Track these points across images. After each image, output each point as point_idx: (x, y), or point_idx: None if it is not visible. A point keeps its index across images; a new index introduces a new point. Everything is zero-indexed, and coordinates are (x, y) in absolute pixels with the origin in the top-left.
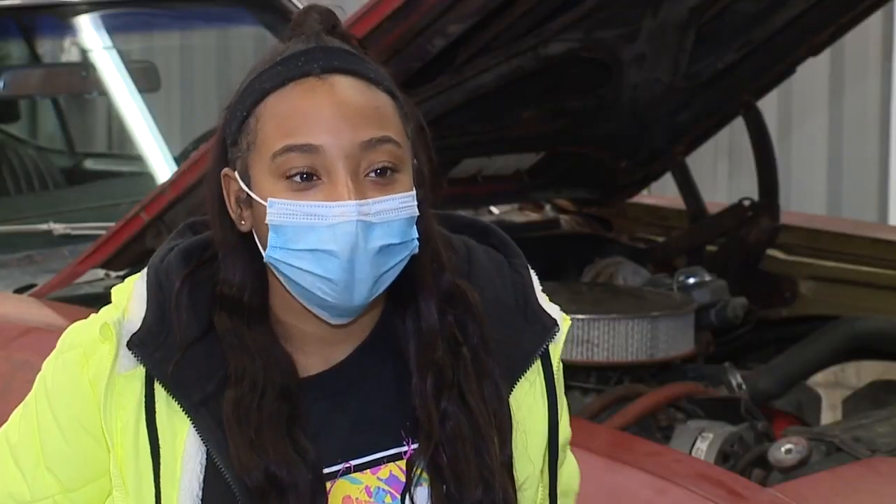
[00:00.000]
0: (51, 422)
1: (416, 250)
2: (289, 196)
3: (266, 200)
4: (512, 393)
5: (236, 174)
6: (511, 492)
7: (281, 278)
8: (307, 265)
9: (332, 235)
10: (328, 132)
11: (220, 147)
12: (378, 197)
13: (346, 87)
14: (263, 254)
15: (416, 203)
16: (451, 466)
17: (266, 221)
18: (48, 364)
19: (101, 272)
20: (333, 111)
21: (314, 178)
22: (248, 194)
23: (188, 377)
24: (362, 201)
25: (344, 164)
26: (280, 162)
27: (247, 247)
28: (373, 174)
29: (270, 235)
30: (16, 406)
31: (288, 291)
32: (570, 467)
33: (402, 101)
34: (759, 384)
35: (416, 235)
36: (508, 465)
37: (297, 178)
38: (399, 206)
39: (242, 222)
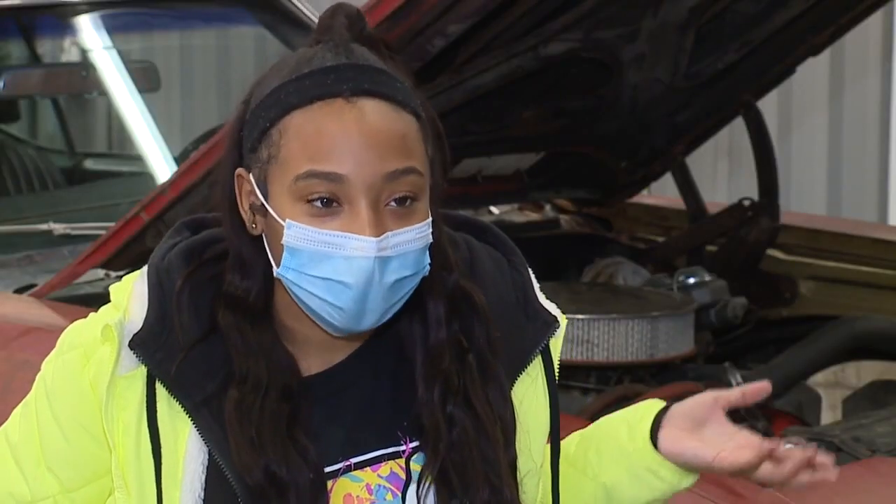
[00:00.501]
0: (51, 422)
1: (427, 273)
2: (308, 221)
3: (284, 221)
4: (513, 388)
5: (251, 178)
6: (515, 492)
7: (289, 293)
8: (319, 291)
9: (348, 268)
10: (354, 162)
11: (235, 142)
12: (396, 229)
13: (375, 114)
14: (274, 265)
15: (430, 230)
16: (457, 471)
17: (282, 242)
18: (48, 364)
19: (101, 272)
20: (361, 140)
21: (334, 204)
22: (263, 204)
23: (189, 377)
24: (381, 237)
25: (366, 195)
26: (302, 185)
27: (255, 246)
28: (393, 203)
29: (285, 255)
30: (16, 406)
31: (293, 301)
32: None
33: (425, 118)
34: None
35: (429, 261)
36: (513, 465)
37: (318, 203)
38: (415, 237)
39: (254, 226)
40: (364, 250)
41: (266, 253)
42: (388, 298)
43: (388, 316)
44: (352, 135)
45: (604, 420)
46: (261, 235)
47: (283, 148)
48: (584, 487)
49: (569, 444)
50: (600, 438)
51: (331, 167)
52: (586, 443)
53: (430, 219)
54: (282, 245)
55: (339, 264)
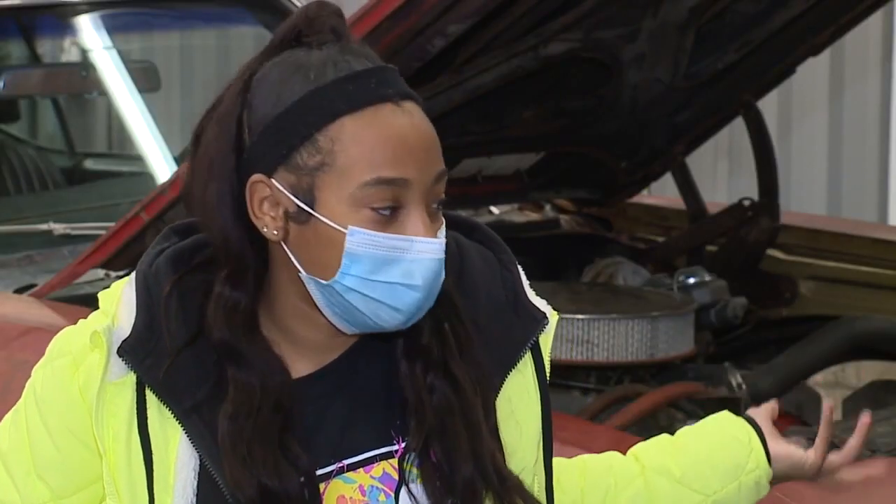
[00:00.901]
0: (41, 429)
1: None
2: (373, 227)
3: (346, 228)
4: (504, 385)
5: (280, 186)
6: (499, 458)
7: (328, 301)
8: (381, 296)
9: (418, 269)
10: (415, 165)
11: (232, 149)
12: (441, 230)
13: (420, 117)
14: (301, 269)
15: None
16: (440, 441)
17: (346, 249)
18: (37, 371)
19: (101, 272)
20: (418, 143)
21: (397, 210)
22: (306, 211)
23: (178, 384)
24: (439, 238)
25: (423, 198)
26: (369, 192)
27: (254, 251)
28: (434, 206)
29: (345, 262)
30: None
31: (315, 306)
32: None
33: None
34: (759, 384)
35: None
36: (494, 432)
37: (387, 212)
38: (444, 237)
39: (275, 232)
40: (433, 252)
41: (265, 257)
42: (434, 297)
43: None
44: (411, 139)
45: (702, 434)
46: (269, 242)
47: (339, 155)
48: (687, 500)
49: (649, 452)
50: (713, 454)
51: (398, 173)
52: (689, 457)
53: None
54: (340, 251)
55: (408, 267)
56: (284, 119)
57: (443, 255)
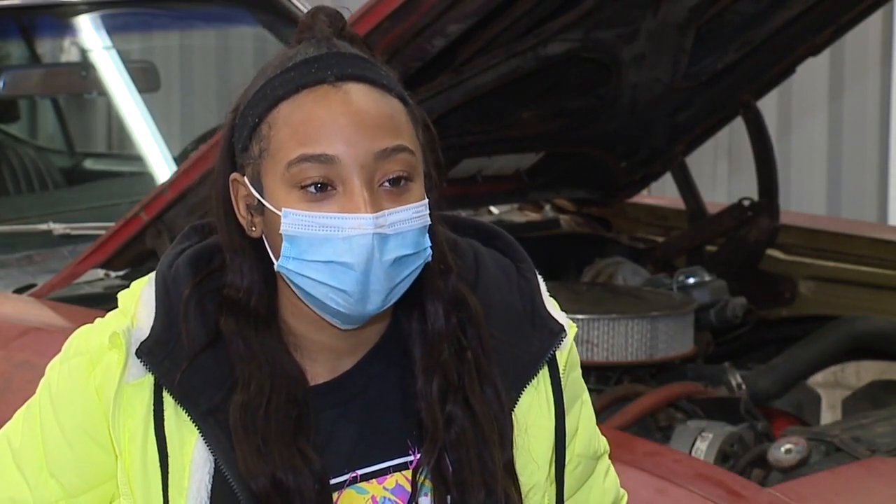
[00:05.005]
0: (55, 428)
1: (430, 258)
2: (304, 207)
3: (280, 210)
4: (520, 398)
5: (246, 180)
6: (513, 494)
7: (292, 287)
8: (321, 276)
9: (349, 247)
10: (344, 142)
11: (227, 150)
12: (393, 208)
13: (361, 95)
14: (275, 261)
15: (428, 212)
16: (454, 471)
17: (280, 231)
18: (53, 369)
19: (100, 272)
20: (349, 120)
21: (329, 188)
22: (259, 201)
23: (196, 386)
24: (378, 213)
25: (359, 175)
26: (295, 171)
27: (255, 250)
28: (387, 184)
29: (284, 245)
30: (16, 406)
31: (299, 298)
32: (606, 484)
33: (412, 105)
34: (759, 384)
35: (429, 244)
36: (510, 467)
37: (312, 189)
38: (413, 216)
39: (253, 228)
40: (361, 228)
41: (267, 255)
42: (392, 277)
43: (394, 298)
44: (339, 116)
45: None
46: (261, 238)
47: (273, 139)
48: None
49: None
50: None
51: (321, 149)
52: None
53: (426, 200)
54: (279, 235)
55: (339, 245)
56: (243, 115)
57: (373, 231)
